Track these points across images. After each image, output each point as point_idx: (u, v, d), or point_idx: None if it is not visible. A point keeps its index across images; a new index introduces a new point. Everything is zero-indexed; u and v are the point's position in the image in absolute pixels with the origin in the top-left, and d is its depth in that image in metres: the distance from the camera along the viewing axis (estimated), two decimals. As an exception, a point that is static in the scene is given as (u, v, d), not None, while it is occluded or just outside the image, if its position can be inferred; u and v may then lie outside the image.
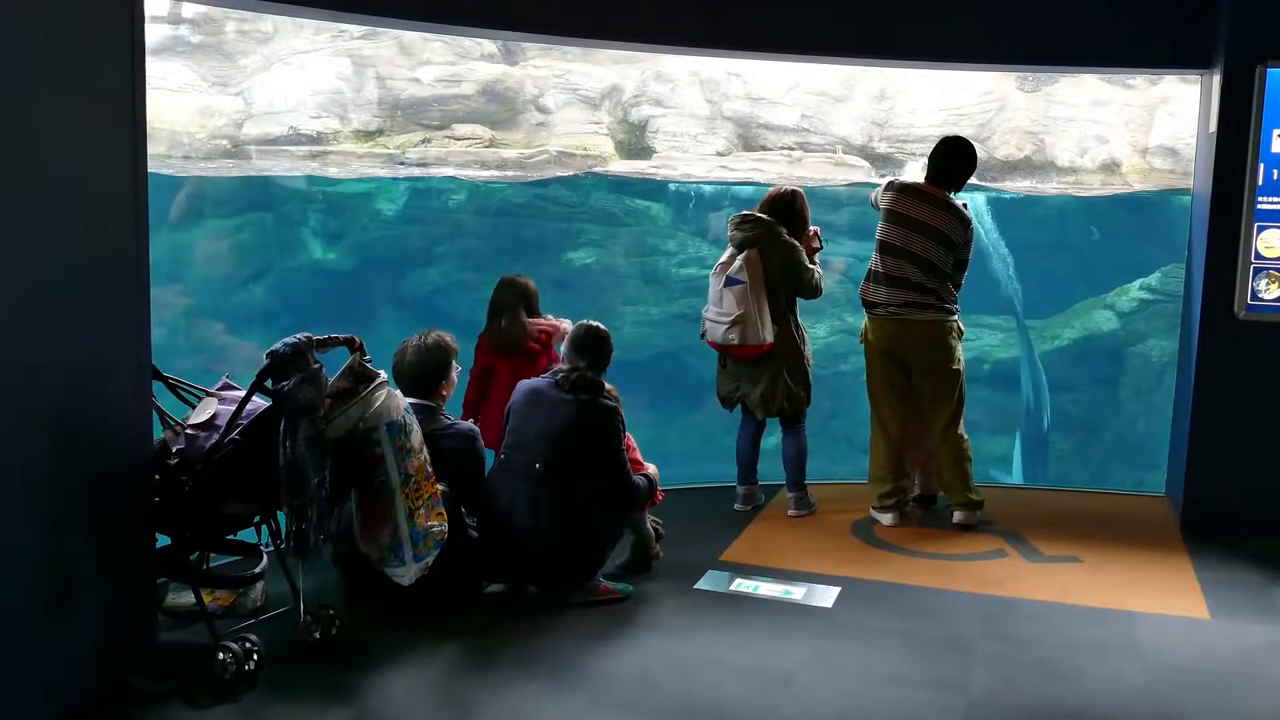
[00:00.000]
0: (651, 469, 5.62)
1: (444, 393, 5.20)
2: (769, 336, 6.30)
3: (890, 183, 6.51)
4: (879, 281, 6.37)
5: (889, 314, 6.34)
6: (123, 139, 4.06)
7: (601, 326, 5.39)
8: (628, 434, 5.42)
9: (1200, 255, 6.51)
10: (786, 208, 6.47)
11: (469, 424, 5.25)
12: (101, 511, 4.05)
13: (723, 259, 6.42)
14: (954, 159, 6.36)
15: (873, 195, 6.59)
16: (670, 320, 9.19)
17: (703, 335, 6.50)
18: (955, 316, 6.36)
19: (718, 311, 6.32)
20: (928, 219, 6.25)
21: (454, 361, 5.24)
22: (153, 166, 4.28)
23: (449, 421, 5.09)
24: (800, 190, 6.59)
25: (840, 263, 9.16)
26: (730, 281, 6.27)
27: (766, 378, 6.41)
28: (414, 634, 4.78)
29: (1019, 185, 9.01)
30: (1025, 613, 5.23)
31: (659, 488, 5.64)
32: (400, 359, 5.15)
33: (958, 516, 6.48)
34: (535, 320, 6.06)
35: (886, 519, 6.50)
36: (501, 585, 5.34)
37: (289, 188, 8.51)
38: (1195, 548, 6.19)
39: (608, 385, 5.31)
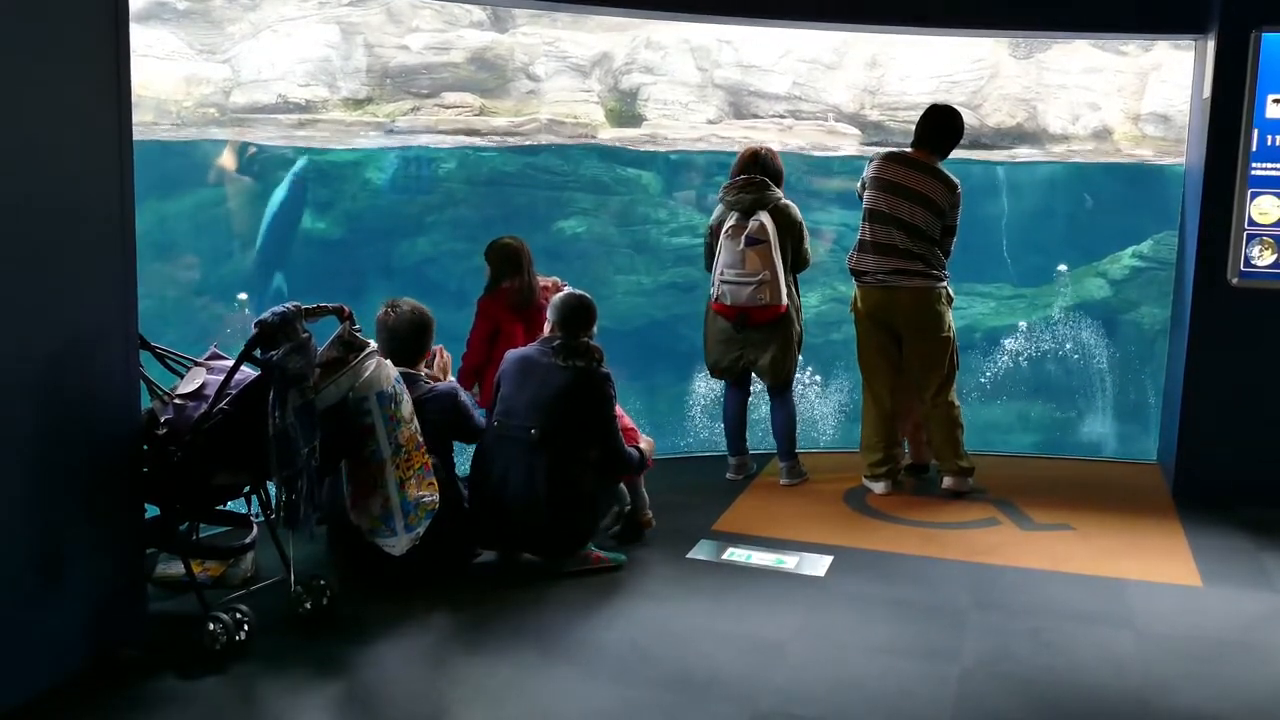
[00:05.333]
0: (645, 443, 5.60)
1: (425, 360, 5.17)
2: (785, 299, 6.28)
3: (879, 154, 6.48)
4: (867, 250, 6.34)
5: (877, 282, 6.31)
6: (107, 107, 4.01)
7: (585, 294, 5.36)
8: (625, 416, 5.42)
9: (1193, 222, 6.49)
10: (767, 166, 6.42)
11: (448, 383, 5.21)
12: (90, 482, 4.03)
13: (730, 223, 6.29)
14: (942, 127, 6.33)
15: (858, 186, 6.54)
16: (662, 289, 9.16)
17: (715, 300, 6.41)
18: (944, 283, 6.34)
19: (739, 273, 6.24)
20: (915, 185, 6.22)
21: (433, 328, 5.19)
22: (138, 134, 4.23)
23: (429, 386, 5.05)
24: (771, 148, 6.57)
25: (830, 231, 9.13)
26: (752, 241, 6.20)
27: (777, 343, 6.38)
28: (405, 604, 4.77)
29: (1011, 152, 8.98)
30: (1017, 581, 5.23)
31: (650, 458, 5.62)
32: (383, 329, 5.07)
33: (947, 483, 6.48)
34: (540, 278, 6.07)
35: (878, 488, 6.50)
36: (493, 554, 5.33)
37: (277, 156, 8.45)
38: (1187, 515, 6.20)
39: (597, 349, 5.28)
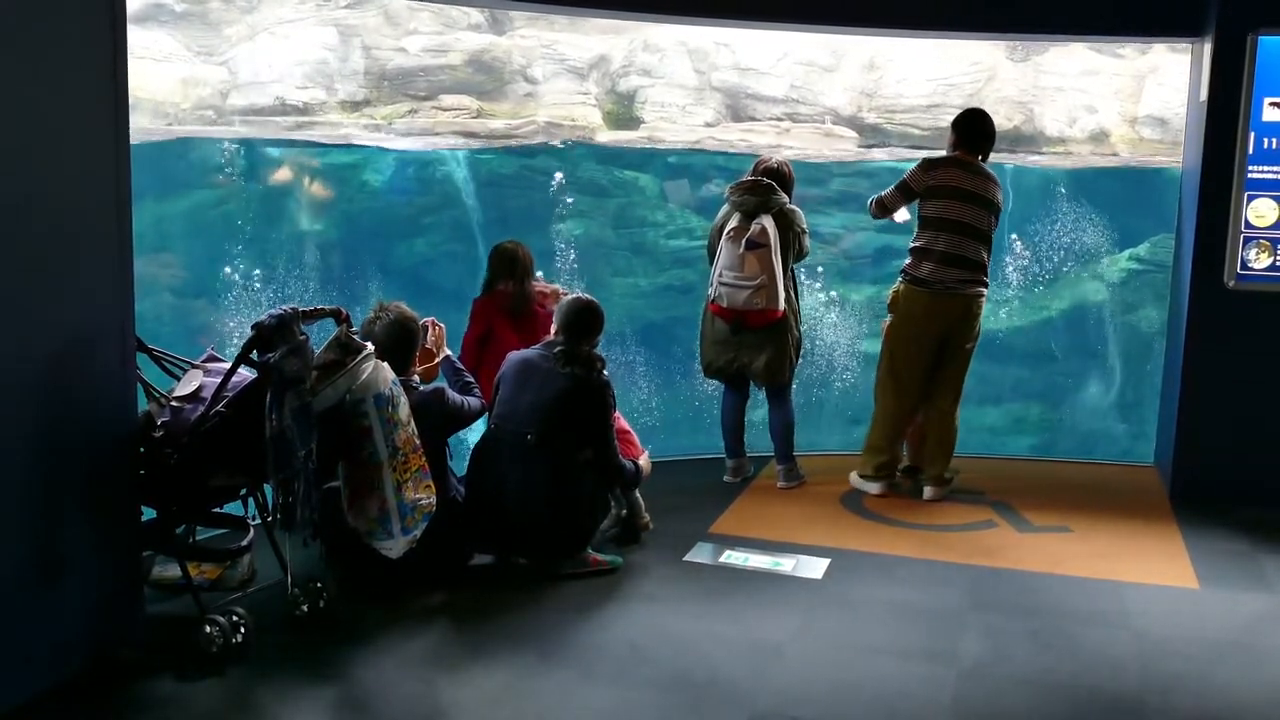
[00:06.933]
0: (644, 460, 5.60)
1: (417, 365, 5.14)
2: (782, 304, 6.25)
3: (932, 160, 6.37)
4: (937, 260, 6.24)
5: (944, 289, 6.24)
6: (104, 108, 4.01)
7: (594, 301, 5.35)
8: (620, 418, 5.41)
9: (1190, 225, 6.49)
10: (781, 177, 6.42)
11: (432, 385, 5.18)
12: (87, 485, 4.03)
13: (732, 224, 6.26)
14: (988, 132, 6.34)
15: (909, 179, 6.36)
16: (659, 292, 9.16)
17: (713, 301, 6.39)
18: (987, 290, 6.36)
19: (737, 276, 6.20)
20: (979, 189, 6.21)
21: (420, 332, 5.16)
22: (136, 136, 4.23)
23: (416, 387, 5.01)
24: (786, 159, 6.56)
25: (834, 235, 9.14)
26: (752, 245, 6.16)
27: (772, 346, 6.36)
28: (402, 607, 4.77)
29: (1008, 154, 8.98)
30: (1015, 583, 5.23)
31: (646, 475, 5.61)
32: (366, 339, 4.96)
33: (929, 494, 6.45)
34: (534, 283, 6.07)
35: (874, 488, 6.49)
36: (489, 557, 5.33)
37: (275, 158, 8.45)
38: (1184, 517, 6.21)
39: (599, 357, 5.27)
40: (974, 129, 6.34)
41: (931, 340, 6.36)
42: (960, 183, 6.23)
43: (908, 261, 6.39)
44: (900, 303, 6.45)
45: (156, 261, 7.69)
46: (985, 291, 6.33)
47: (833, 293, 9.14)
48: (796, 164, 6.67)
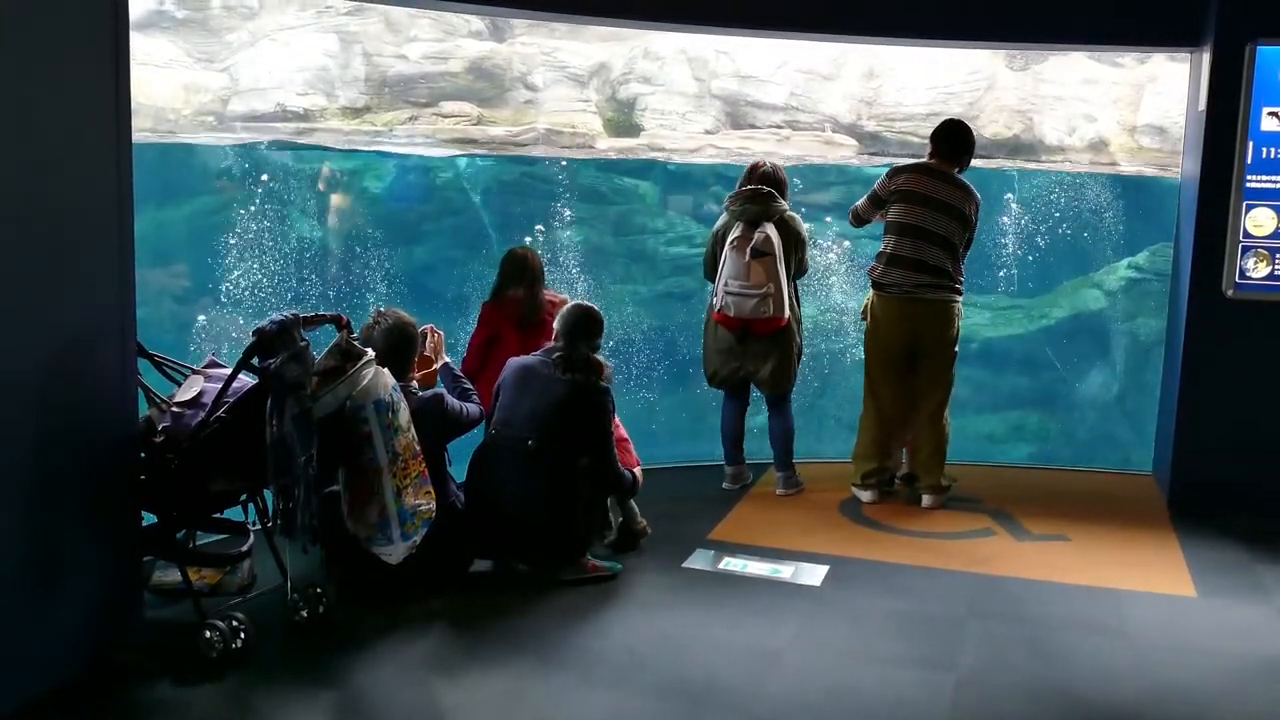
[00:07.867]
0: (639, 470, 5.60)
1: (415, 371, 5.15)
2: (788, 312, 6.28)
3: (899, 167, 6.45)
4: (895, 264, 6.30)
5: (903, 293, 6.28)
6: (106, 110, 4.03)
7: (593, 306, 5.37)
8: (620, 427, 5.42)
9: (1189, 234, 6.51)
10: (778, 182, 6.43)
11: (432, 390, 5.19)
12: (87, 489, 4.04)
13: (735, 234, 6.29)
14: (966, 141, 6.36)
15: (877, 186, 6.47)
16: (659, 299, 9.16)
17: (717, 311, 6.40)
18: (961, 297, 6.35)
19: (743, 285, 6.22)
20: (947, 198, 6.23)
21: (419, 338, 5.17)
22: (137, 140, 4.24)
23: (415, 393, 5.02)
24: (775, 162, 6.58)
25: (830, 241, 9.14)
26: (757, 253, 6.18)
27: (777, 355, 6.38)
28: (401, 612, 4.78)
29: (1007, 163, 8.99)
30: (1013, 591, 5.24)
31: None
32: (366, 343, 4.88)
33: (927, 502, 6.47)
34: (546, 292, 6.08)
35: (866, 496, 6.51)
36: (489, 563, 5.34)
37: (275, 164, 8.46)
38: (1182, 526, 6.21)
39: (604, 364, 5.27)
40: (947, 139, 6.39)
41: (899, 345, 6.39)
42: (919, 187, 6.28)
43: (871, 265, 6.45)
44: (869, 311, 6.49)
45: (157, 267, 7.70)
46: (956, 297, 6.33)
47: (832, 298, 9.14)
48: (795, 169, 6.69)
